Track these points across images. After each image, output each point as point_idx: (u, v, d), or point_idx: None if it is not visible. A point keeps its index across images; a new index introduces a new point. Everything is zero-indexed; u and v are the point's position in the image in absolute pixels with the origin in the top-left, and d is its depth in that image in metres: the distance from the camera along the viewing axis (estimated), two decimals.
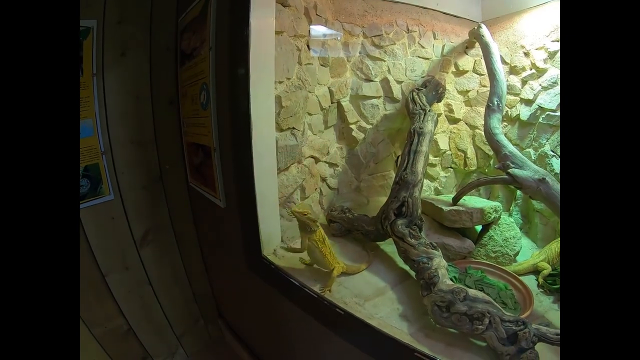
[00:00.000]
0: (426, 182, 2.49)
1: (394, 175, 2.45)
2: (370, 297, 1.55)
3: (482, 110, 2.36)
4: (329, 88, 2.11)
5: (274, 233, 1.83)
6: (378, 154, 2.40)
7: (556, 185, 1.56)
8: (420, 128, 1.96)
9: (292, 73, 1.85)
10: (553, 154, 1.97)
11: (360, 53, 2.16)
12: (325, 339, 1.55)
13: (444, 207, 1.95)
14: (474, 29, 2.31)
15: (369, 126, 2.28)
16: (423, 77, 2.34)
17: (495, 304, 1.37)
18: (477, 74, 2.44)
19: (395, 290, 1.62)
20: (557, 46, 2.01)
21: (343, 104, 2.18)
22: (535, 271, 1.80)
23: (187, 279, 2.66)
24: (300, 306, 1.62)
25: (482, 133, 2.36)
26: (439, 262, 1.56)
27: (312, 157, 2.08)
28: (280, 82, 1.79)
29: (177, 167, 2.46)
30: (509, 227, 1.99)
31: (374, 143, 2.36)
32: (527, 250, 1.99)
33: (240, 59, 1.48)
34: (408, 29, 2.28)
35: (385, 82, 2.25)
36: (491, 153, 2.34)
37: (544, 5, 2.11)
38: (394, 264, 1.83)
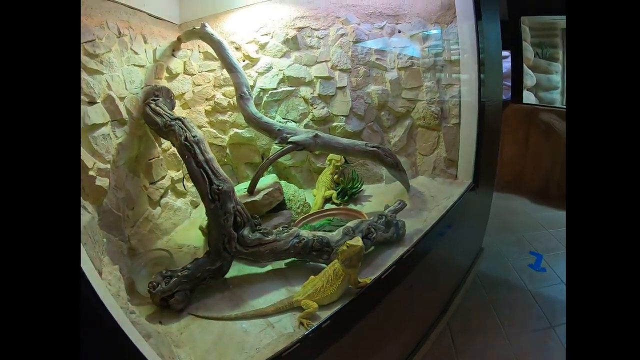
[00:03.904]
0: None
1: (154, 212, 2.29)
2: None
3: (201, 109, 2.61)
4: None
5: None
6: (129, 196, 2.10)
7: (325, 135, 2.25)
8: (194, 137, 1.93)
9: None
10: (286, 120, 2.65)
11: None
12: None
13: (255, 198, 2.18)
14: (194, 29, 2.41)
15: (106, 165, 1.88)
16: (142, 87, 2.19)
17: (362, 218, 1.96)
18: (189, 74, 2.59)
19: (295, 282, 1.78)
20: (266, 39, 2.62)
21: None
22: (329, 199, 2.50)
23: None
24: None
25: (210, 130, 2.63)
26: (305, 231, 1.88)
27: None
28: None
29: None
30: (287, 187, 2.52)
31: (120, 185, 2.01)
32: (305, 192, 2.64)
33: None
34: (119, 33, 2.07)
35: (109, 102, 1.93)
36: (224, 143, 2.68)
37: (249, 6, 2.60)
38: (268, 276, 1.89)
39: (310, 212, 2.35)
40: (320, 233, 1.86)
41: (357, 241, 1.57)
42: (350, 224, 1.89)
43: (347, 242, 1.58)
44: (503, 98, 3.61)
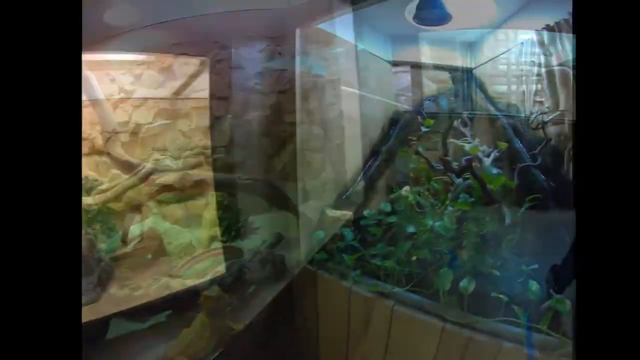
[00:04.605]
0: None
1: None
2: None
3: None
4: None
5: None
6: None
7: (195, 172, 2.27)
8: None
9: None
10: (164, 156, 2.48)
11: None
12: None
13: (126, 249, 2.07)
14: None
15: None
16: None
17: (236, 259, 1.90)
18: None
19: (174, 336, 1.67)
20: (141, 69, 2.45)
21: None
22: (215, 237, 2.37)
23: None
24: None
25: (88, 173, 2.43)
26: (175, 281, 1.83)
27: None
28: None
29: None
30: (170, 229, 2.37)
31: None
32: (185, 233, 2.46)
33: None
34: None
35: None
36: (104, 187, 2.49)
37: (122, 35, 2.27)
38: (149, 332, 1.78)
39: (194, 254, 2.23)
40: (189, 281, 1.78)
41: (211, 292, 1.54)
42: (220, 267, 1.82)
43: (203, 292, 1.53)
44: (405, 109, 3.70)
